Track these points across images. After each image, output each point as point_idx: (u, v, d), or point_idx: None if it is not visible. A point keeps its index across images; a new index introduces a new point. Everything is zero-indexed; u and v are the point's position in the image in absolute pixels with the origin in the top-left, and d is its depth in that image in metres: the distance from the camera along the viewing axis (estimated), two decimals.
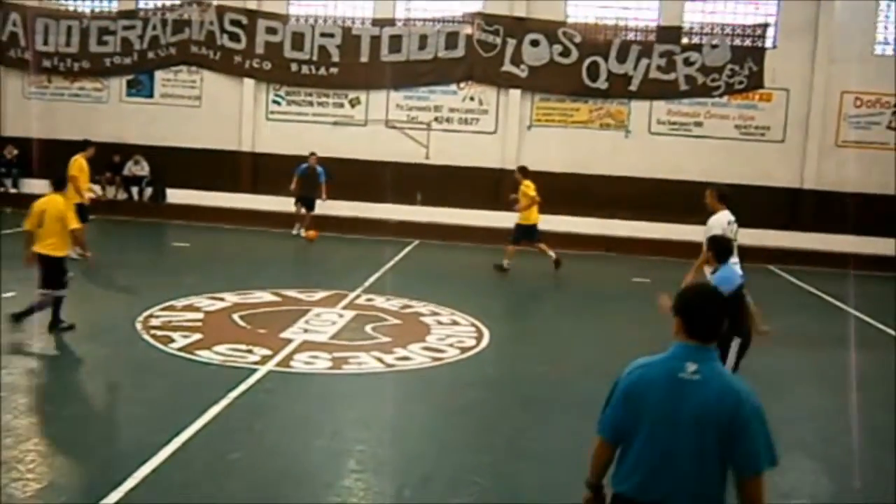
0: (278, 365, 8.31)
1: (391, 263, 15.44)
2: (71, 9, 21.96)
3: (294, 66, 20.95)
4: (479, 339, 9.99)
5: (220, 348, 8.71)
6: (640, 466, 3.27)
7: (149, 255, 16.51)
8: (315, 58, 20.86)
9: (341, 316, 10.64)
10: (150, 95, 21.70)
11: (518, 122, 20.67)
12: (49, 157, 18.38)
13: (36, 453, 5.87)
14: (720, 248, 6.98)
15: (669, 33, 20.18)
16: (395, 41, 20.62)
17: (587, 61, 20.18)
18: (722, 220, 8.36)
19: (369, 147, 20.67)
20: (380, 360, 8.76)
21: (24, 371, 7.78)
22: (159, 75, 21.59)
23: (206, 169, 20.62)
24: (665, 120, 20.57)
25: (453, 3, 20.71)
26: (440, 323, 10.67)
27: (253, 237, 18.45)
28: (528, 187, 14.89)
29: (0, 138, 21.60)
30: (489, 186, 19.78)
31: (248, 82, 21.16)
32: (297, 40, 20.85)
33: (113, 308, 10.55)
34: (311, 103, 21.27)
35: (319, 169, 18.27)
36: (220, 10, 20.94)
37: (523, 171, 15.39)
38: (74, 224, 8.99)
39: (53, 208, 8.87)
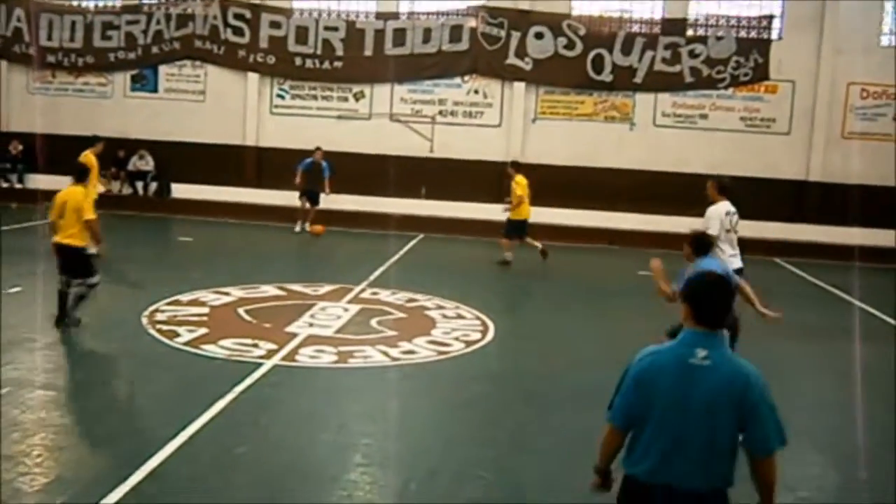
0: (284, 359, 8.32)
1: (396, 257, 15.44)
2: (75, 4, 21.93)
3: (298, 60, 20.94)
4: (484, 332, 9.99)
5: (226, 343, 8.73)
6: (652, 451, 3.33)
7: (154, 249, 16.51)
8: (319, 52, 20.84)
9: (346, 310, 10.64)
10: (155, 90, 21.71)
11: (522, 115, 20.62)
12: (53, 153, 18.48)
13: (43, 448, 5.90)
14: (698, 243, 6.99)
15: (674, 25, 20.10)
16: (399, 34, 20.59)
17: (592, 54, 20.12)
18: (720, 211, 8.35)
19: (373, 141, 20.64)
20: (385, 353, 8.77)
21: (31, 366, 7.80)
22: (163, 70, 21.59)
23: (210, 163, 20.61)
24: (670, 112, 20.49)
25: None
26: (445, 317, 10.67)
27: (257, 231, 18.46)
28: (519, 183, 14.83)
29: (4, 134, 21.64)
30: (494, 180, 19.67)
31: (252, 76, 21.15)
32: (301, 34, 20.83)
33: (119, 303, 10.56)
34: (315, 97, 21.26)
35: (324, 164, 18.27)
36: (224, 5, 20.93)
37: (515, 166, 15.37)
38: (90, 215, 9.03)
39: (73, 199, 8.95)
